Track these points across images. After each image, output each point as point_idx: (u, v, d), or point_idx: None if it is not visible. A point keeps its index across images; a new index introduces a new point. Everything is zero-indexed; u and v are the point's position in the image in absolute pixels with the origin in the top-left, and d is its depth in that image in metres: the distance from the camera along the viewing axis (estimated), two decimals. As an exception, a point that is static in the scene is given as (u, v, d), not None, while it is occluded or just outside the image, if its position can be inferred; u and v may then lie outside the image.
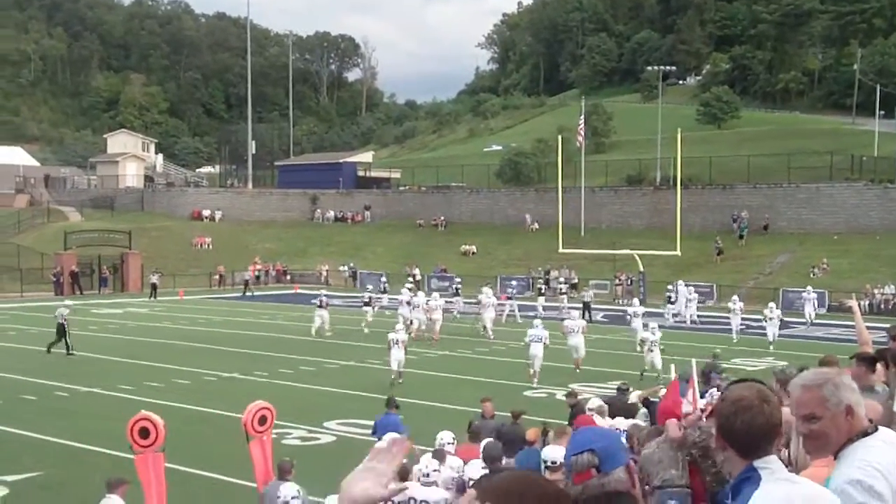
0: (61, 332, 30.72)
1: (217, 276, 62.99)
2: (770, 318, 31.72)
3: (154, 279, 54.82)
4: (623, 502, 2.93)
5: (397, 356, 25.25)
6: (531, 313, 42.59)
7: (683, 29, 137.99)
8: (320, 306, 36.09)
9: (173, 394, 23.37)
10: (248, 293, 57.00)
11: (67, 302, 33.78)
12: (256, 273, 62.63)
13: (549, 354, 29.71)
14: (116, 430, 19.31)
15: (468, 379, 25.97)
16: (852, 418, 3.37)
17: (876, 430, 3.46)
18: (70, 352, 30.42)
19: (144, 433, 10.75)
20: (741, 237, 58.60)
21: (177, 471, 15.95)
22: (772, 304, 33.22)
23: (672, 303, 42.72)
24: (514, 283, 47.92)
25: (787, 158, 64.10)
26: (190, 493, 12.41)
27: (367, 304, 39.07)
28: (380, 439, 13.26)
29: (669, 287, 44.30)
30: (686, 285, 43.60)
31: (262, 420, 11.90)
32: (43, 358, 29.92)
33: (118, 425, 19.77)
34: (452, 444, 11.80)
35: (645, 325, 25.65)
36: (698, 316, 41.13)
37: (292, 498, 9.99)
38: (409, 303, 36.44)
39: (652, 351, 25.02)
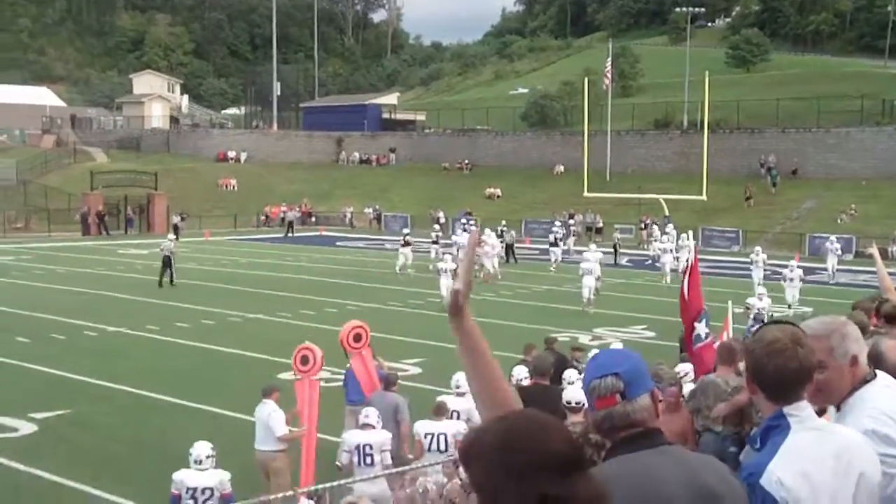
0: (167, 263, 33.23)
1: (263, 217, 64.50)
2: (790, 280, 28.75)
3: (176, 220, 55.06)
4: (653, 441, 2.80)
5: (445, 283, 27.57)
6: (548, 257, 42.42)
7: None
8: (404, 244, 37.16)
9: (200, 334, 23.60)
10: (290, 234, 57.99)
11: (171, 236, 36.58)
12: (281, 214, 63.01)
13: (571, 298, 29.79)
14: (143, 368, 19.63)
15: (490, 322, 26.05)
16: (856, 368, 3.37)
17: (875, 375, 3.47)
18: (173, 282, 33.01)
19: (304, 360, 11.60)
20: (774, 185, 57.55)
21: (204, 411, 16.21)
22: (792, 263, 29.80)
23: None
24: (557, 223, 45.80)
25: (816, 102, 63.24)
26: (216, 433, 12.56)
27: (434, 242, 39.51)
28: (346, 386, 13.31)
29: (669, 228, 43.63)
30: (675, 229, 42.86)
31: (357, 337, 12.61)
32: (71, 298, 30.24)
33: (145, 364, 20.11)
34: (527, 378, 11.98)
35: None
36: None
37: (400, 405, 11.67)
38: (462, 245, 36.65)
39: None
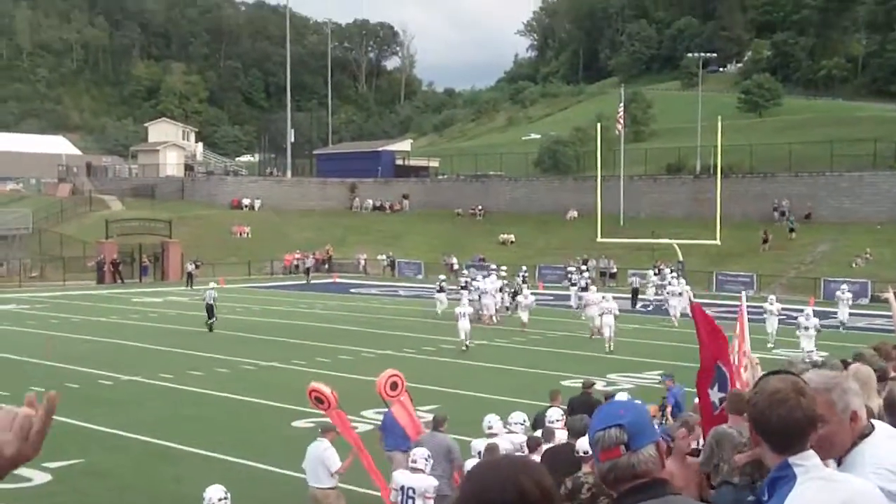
0: (210, 310, 33.77)
1: (284, 265, 64.98)
2: (805, 328, 27.58)
3: (190, 268, 55.26)
4: (658, 492, 2.79)
5: (464, 327, 28.80)
6: (567, 302, 42.51)
7: (724, 15, 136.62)
8: (440, 290, 38.50)
9: (213, 382, 23.58)
10: (309, 281, 58.25)
11: (213, 284, 37.04)
12: (295, 262, 63.25)
13: (582, 343, 29.72)
14: (157, 417, 19.59)
15: (507, 368, 25.97)
16: (856, 424, 3.35)
17: (873, 428, 3.45)
18: (212, 328, 33.53)
19: (319, 401, 12.20)
20: (792, 230, 57.01)
21: (218, 460, 16.14)
22: (808, 311, 28.66)
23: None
24: (571, 268, 45.43)
25: (829, 146, 63.24)
26: (230, 481, 12.50)
27: (463, 288, 39.56)
28: (383, 432, 13.33)
29: (669, 272, 43.25)
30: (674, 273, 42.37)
31: (394, 385, 12.95)
32: (85, 346, 30.29)
33: (159, 413, 20.07)
34: (560, 420, 11.96)
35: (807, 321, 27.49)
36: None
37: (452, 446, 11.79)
38: (485, 290, 37.45)
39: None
